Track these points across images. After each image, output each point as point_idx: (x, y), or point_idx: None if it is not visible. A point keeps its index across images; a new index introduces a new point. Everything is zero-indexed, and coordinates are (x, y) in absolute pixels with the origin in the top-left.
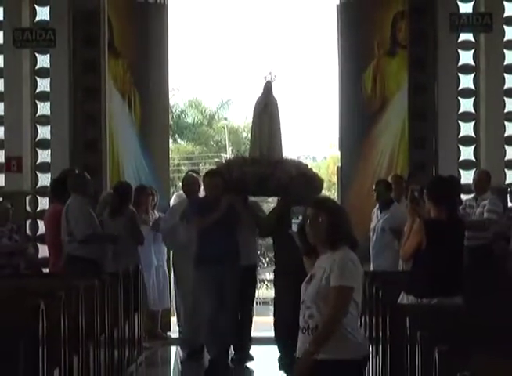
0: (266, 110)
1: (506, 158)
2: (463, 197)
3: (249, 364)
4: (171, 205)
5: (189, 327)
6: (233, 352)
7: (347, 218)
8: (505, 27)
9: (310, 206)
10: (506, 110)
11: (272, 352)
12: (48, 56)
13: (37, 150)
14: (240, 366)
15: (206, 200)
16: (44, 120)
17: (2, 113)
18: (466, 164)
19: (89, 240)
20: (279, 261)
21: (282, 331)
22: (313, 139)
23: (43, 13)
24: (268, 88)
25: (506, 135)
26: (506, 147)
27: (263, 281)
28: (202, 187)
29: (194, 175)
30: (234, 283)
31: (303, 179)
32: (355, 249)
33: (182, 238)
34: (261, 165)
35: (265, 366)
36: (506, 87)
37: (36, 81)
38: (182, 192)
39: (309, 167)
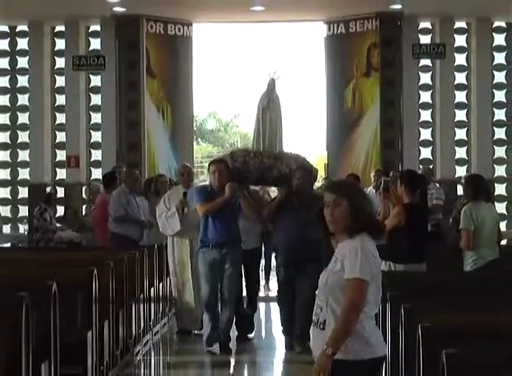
0: (269, 106)
1: (457, 157)
2: None
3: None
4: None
5: (182, 308)
6: (237, 332)
7: (369, 202)
8: (455, 54)
9: (329, 190)
10: (456, 119)
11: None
12: (99, 77)
13: (91, 150)
14: (244, 340)
15: (210, 188)
16: (96, 127)
17: (64, 121)
18: (425, 162)
19: (120, 220)
20: (277, 243)
21: (283, 303)
22: (305, 141)
23: (95, 44)
24: (271, 85)
25: (456, 139)
26: (456, 148)
27: None
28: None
29: (188, 164)
30: (234, 268)
31: (302, 170)
32: (378, 236)
33: (177, 227)
34: (263, 156)
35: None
36: (456, 101)
37: (90, 97)
38: (203, 183)
39: (307, 159)
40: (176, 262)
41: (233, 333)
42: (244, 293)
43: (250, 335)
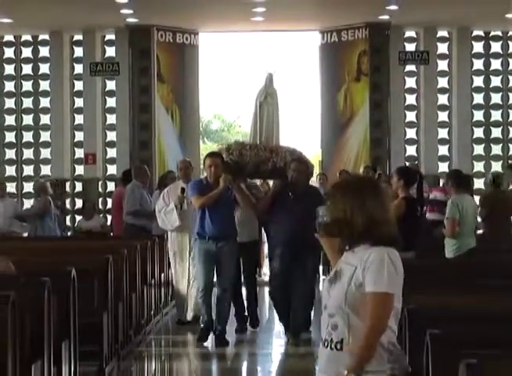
0: (266, 100)
1: (439, 154)
2: None
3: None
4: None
5: (181, 300)
6: (236, 323)
7: (385, 205)
8: (438, 60)
9: (331, 189)
10: (438, 120)
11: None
12: (114, 81)
13: (107, 148)
14: (243, 334)
15: (206, 181)
16: (111, 127)
17: (82, 122)
18: (411, 159)
19: (133, 214)
20: (273, 235)
21: (276, 295)
22: (301, 140)
23: (110, 51)
24: (269, 79)
25: (439, 137)
26: (439, 146)
27: None
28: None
29: (187, 159)
30: (230, 260)
31: (297, 162)
32: (394, 245)
33: (176, 222)
34: (259, 149)
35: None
36: (438, 103)
37: (105, 100)
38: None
39: (303, 154)
40: (176, 256)
41: (232, 326)
42: (243, 290)
43: (253, 329)
